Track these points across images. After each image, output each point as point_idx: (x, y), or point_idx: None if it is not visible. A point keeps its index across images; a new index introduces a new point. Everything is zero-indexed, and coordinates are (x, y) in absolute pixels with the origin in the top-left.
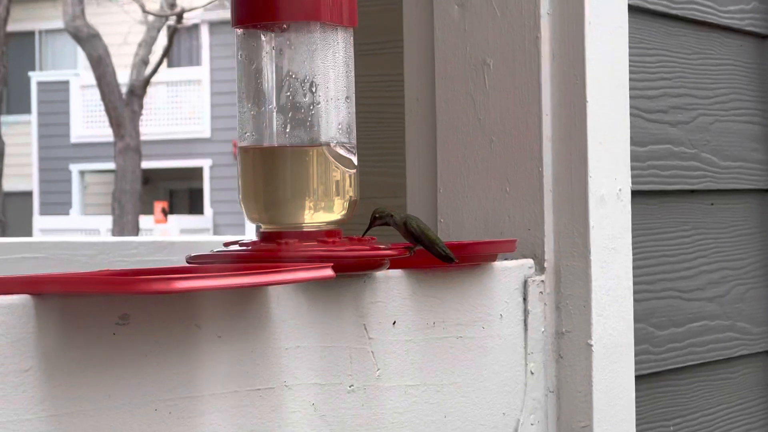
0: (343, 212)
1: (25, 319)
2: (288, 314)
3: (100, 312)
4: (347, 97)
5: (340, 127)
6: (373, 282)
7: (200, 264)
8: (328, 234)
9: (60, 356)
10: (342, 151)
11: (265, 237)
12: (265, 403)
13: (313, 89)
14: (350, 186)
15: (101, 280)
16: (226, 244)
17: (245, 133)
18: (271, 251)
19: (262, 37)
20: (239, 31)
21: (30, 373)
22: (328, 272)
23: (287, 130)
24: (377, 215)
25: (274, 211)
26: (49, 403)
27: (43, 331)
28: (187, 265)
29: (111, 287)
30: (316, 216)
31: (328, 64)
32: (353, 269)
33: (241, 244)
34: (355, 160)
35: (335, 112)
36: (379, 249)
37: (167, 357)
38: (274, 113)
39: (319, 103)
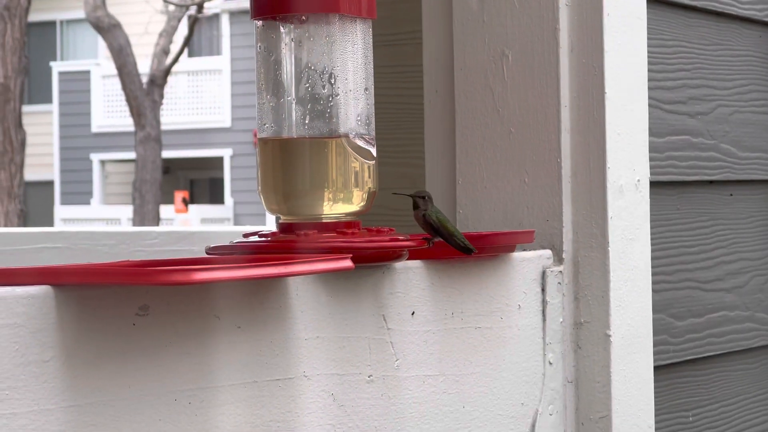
0: (362, 203)
1: (45, 310)
2: (307, 305)
3: (120, 303)
4: (366, 89)
5: (358, 118)
6: (392, 273)
7: (220, 255)
8: (347, 225)
9: (80, 347)
10: (361, 143)
11: (284, 228)
12: (284, 394)
13: (332, 81)
14: (369, 177)
15: (121, 271)
16: (246, 235)
17: (264, 125)
18: (290, 242)
19: (281, 29)
20: (258, 23)
21: (51, 363)
22: (347, 263)
23: (306, 122)
24: (420, 194)
25: (293, 203)
26: (70, 393)
27: (63, 322)
28: (207, 255)
29: (131, 278)
30: (335, 207)
31: (347, 55)
32: (372, 260)
33: (261, 235)
34: (374, 151)
35: (354, 104)
36: (398, 240)
37: (187, 347)
38: (294, 105)
39: (338, 94)
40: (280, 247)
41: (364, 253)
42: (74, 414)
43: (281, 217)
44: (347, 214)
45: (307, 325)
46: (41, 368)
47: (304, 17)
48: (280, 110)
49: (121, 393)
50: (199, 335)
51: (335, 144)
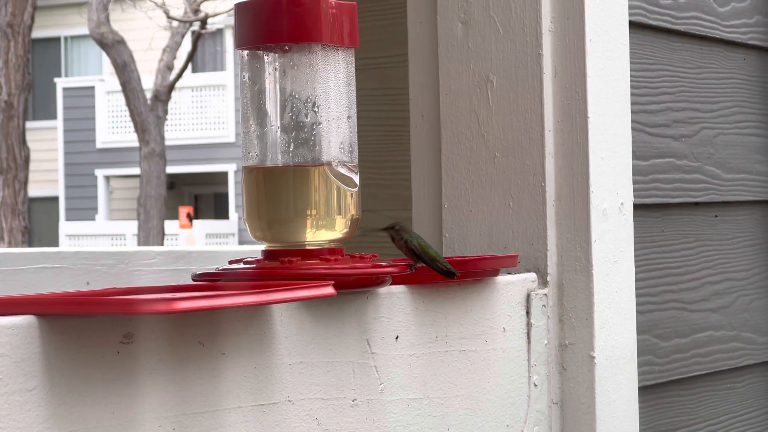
0: (345, 230)
1: (29, 339)
2: (291, 331)
3: (104, 331)
4: (349, 117)
5: (341, 146)
6: (375, 298)
7: (205, 282)
8: (330, 252)
9: (64, 375)
10: (343, 170)
11: (268, 255)
12: (269, 419)
13: (315, 109)
14: (352, 204)
15: (104, 301)
16: (231, 262)
17: (249, 153)
18: (274, 269)
19: (265, 59)
20: (243, 52)
21: (34, 392)
22: (329, 290)
23: (290, 150)
24: (395, 227)
25: (277, 230)
26: (54, 421)
27: (47, 351)
28: (192, 282)
29: (114, 308)
30: (318, 234)
31: (330, 84)
32: (355, 286)
33: (245, 263)
34: (356, 179)
35: (336, 132)
36: (381, 266)
37: (171, 374)
38: (277, 133)
39: (320, 123)
40: (263, 274)
41: (347, 280)
42: None
43: (266, 243)
44: (330, 241)
45: (291, 350)
46: (25, 397)
47: (287, 47)
48: (264, 139)
49: (105, 420)
50: (183, 362)
51: (318, 172)
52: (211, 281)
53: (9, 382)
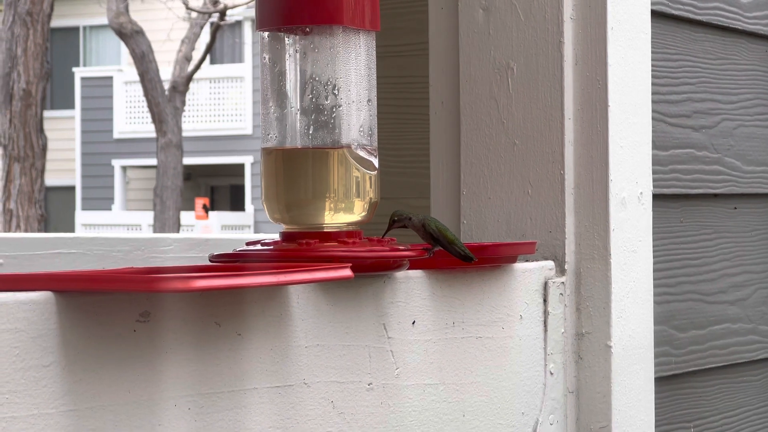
0: (364, 213)
1: (46, 315)
2: (308, 313)
3: (121, 309)
4: (369, 100)
5: (361, 129)
6: (392, 282)
7: (222, 263)
8: (348, 235)
9: (81, 352)
10: (363, 153)
11: (286, 237)
12: (285, 401)
13: (336, 92)
14: (371, 188)
15: (122, 278)
16: (249, 244)
17: (268, 135)
18: (292, 251)
19: (286, 40)
20: (264, 34)
21: (51, 368)
22: (347, 272)
23: (309, 132)
24: (395, 218)
25: (296, 212)
26: (70, 397)
27: (64, 328)
28: (210, 263)
29: (131, 285)
30: (336, 217)
31: (350, 67)
32: (372, 269)
33: (263, 244)
34: (375, 162)
35: (356, 115)
36: (398, 250)
37: (187, 354)
38: (297, 115)
39: (340, 105)
40: (281, 255)
41: (364, 263)
42: (73, 418)
43: (284, 226)
44: (349, 224)
45: (308, 332)
46: (41, 373)
47: (308, 29)
48: (284, 121)
49: (120, 398)
50: (200, 342)
51: (337, 154)
52: (229, 262)
53: (25, 357)
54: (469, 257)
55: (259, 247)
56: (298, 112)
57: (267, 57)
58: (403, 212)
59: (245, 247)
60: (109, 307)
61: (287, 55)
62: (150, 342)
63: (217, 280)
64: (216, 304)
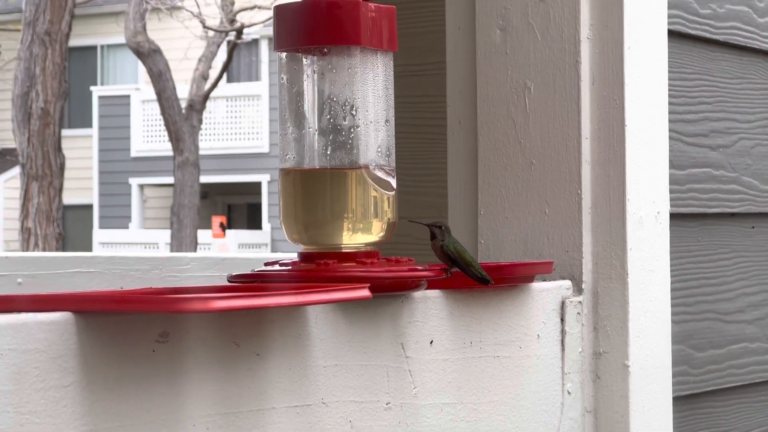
0: (382, 234)
1: (66, 335)
2: (326, 333)
3: (141, 329)
4: (387, 120)
5: (379, 150)
6: (410, 302)
7: (241, 283)
8: (366, 255)
9: (100, 372)
10: (381, 174)
11: (304, 257)
12: (303, 420)
13: (353, 112)
14: (388, 208)
15: (142, 299)
16: (267, 264)
17: (286, 155)
18: (311, 271)
19: (304, 61)
20: (282, 54)
21: (70, 388)
22: (365, 293)
23: (327, 153)
24: (436, 224)
25: (314, 232)
26: (89, 418)
27: (84, 348)
28: (228, 283)
29: (151, 306)
30: (354, 237)
31: (368, 87)
32: (390, 290)
33: (281, 264)
34: (393, 182)
35: (374, 135)
36: (416, 270)
37: (205, 374)
38: (315, 136)
39: (358, 126)
40: (299, 275)
41: (383, 283)
42: None
43: (302, 246)
44: (367, 244)
45: (326, 352)
46: (61, 393)
47: (326, 50)
48: (302, 141)
49: (139, 418)
50: (218, 362)
51: (356, 175)
52: (247, 282)
53: (46, 377)
54: (485, 280)
55: (277, 267)
56: (316, 133)
57: (285, 77)
58: (444, 229)
59: (264, 268)
60: (128, 327)
61: (305, 76)
62: (169, 362)
63: (237, 301)
64: (235, 324)
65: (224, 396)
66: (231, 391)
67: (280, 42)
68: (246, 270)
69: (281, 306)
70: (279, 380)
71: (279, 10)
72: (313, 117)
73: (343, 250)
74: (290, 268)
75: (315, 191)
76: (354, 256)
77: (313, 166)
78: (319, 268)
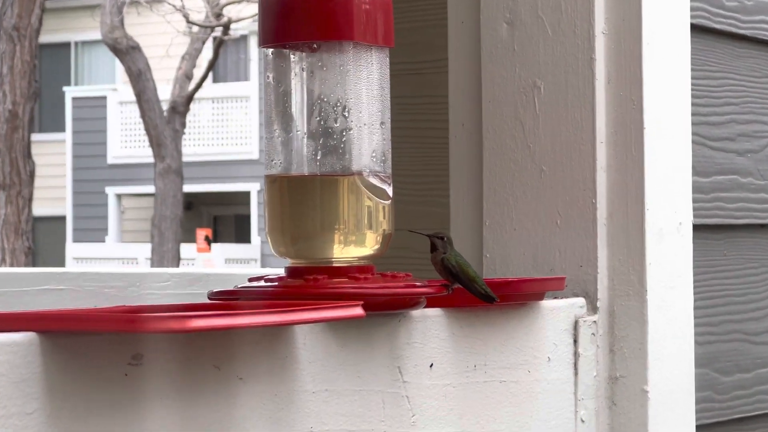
0: (376, 246)
1: (30, 358)
2: (315, 355)
3: (112, 351)
4: (382, 123)
5: (374, 155)
6: (408, 321)
7: (222, 300)
8: (359, 270)
9: (67, 398)
10: (375, 181)
11: (292, 272)
12: None
13: (346, 114)
14: (384, 218)
15: (112, 317)
16: (251, 280)
17: (272, 161)
18: (298, 288)
19: (291, 58)
20: (267, 51)
21: (34, 416)
22: (358, 311)
23: (317, 158)
24: (437, 235)
25: (302, 245)
26: None
27: (49, 372)
28: (209, 301)
29: (122, 326)
30: (346, 250)
31: (362, 86)
32: (386, 308)
33: (267, 280)
34: (389, 190)
35: (368, 139)
36: (414, 286)
37: (183, 400)
38: (304, 139)
39: (351, 129)
40: (286, 292)
41: (377, 300)
42: None
43: (290, 260)
44: (360, 258)
45: (315, 376)
46: (24, 421)
47: (315, 45)
48: (289, 145)
49: None
50: (197, 387)
51: (348, 182)
52: (229, 299)
53: (7, 404)
54: (490, 297)
55: (262, 283)
56: (305, 136)
57: (271, 76)
58: (446, 241)
59: (247, 284)
60: (98, 349)
61: (293, 74)
62: (142, 387)
63: (216, 320)
64: (215, 346)
65: (204, 424)
66: (211, 417)
67: (265, 37)
68: (229, 286)
69: (266, 325)
70: (264, 407)
71: (264, 1)
72: (301, 119)
73: (334, 265)
74: (276, 284)
75: (303, 200)
76: (346, 271)
77: (301, 172)
78: (308, 284)
